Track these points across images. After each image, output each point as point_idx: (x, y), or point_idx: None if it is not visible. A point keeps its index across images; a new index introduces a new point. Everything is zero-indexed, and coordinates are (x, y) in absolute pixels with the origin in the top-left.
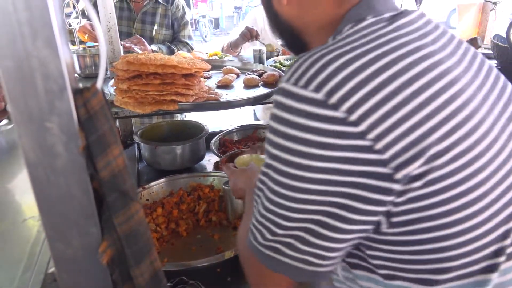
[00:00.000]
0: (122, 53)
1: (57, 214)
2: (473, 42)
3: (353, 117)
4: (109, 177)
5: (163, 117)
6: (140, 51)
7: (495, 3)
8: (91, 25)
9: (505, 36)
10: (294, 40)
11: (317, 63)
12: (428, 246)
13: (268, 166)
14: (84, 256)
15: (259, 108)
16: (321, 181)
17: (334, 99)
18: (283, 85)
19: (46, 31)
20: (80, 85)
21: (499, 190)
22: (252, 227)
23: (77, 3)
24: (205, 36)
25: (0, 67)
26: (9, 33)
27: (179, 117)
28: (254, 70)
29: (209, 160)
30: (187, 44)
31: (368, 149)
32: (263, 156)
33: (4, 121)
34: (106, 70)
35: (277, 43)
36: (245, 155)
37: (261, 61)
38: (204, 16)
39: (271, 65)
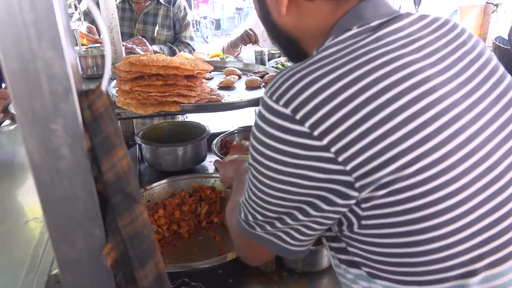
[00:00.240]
0: (124, 54)
1: (61, 215)
2: None
3: (316, 132)
4: (114, 179)
5: (164, 118)
6: (142, 52)
7: (496, 5)
8: (88, 28)
9: (507, 38)
10: (292, 48)
11: (290, 79)
12: (398, 250)
13: (250, 164)
14: (88, 258)
15: None
16: (291, 183)
17: (299, 115)
18: (263, 95)
19: (52, 32)
20: (83, 86)
21: (479, 198)
22: (241, 203)
23: (79, 3)
24: (206, 37)
25: (5, 68)
26: (15, 34)
27: (180, 118)
28: (256, 71)
29: (211, 161)
30: (189, 45)
31: (332, 160)
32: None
33: (6, 121)
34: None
35: None
36: (235, 155)
37: (262, 63)
38: (205, 17)
39: (273, 67)
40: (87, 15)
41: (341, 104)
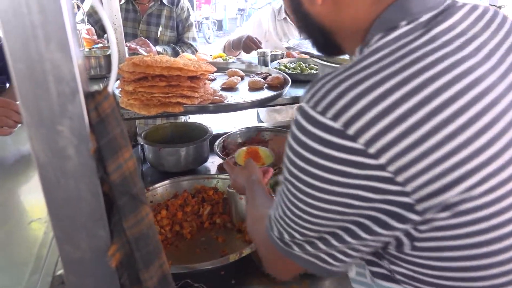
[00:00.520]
0: (127, 55)
1: (66, 216)
2: None
3: (372, 150)
4: (120, 180)
5: (167, 118)
6: (145, 53)
7: (500, 7)
8: (87, 31)
9: None
10: (326, 41)
11: (337, 88)
12: (452, 274)
13: (286, 179)
14: (93, 259)
15: (262, 110)
16: (337, 203)
17: (352, 130)
18: (303, 105)
19: (60, 34)
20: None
21: None
22: (273, 219)
23: (82, 3)
24: (208, 38)
25: (13, 69)
26: (23, 36)
27: (182, 118)
28: (258, 72)
29: (213, 162)
30: (192, 45)
31: (389, 180)
32: (263, 148)
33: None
34: None
35: (282, 45)
36: (244, 148)
37: (265, 64)
38: (207, 18)
39: (275, 68)
40: (91, 16)
41: (400, 118)
